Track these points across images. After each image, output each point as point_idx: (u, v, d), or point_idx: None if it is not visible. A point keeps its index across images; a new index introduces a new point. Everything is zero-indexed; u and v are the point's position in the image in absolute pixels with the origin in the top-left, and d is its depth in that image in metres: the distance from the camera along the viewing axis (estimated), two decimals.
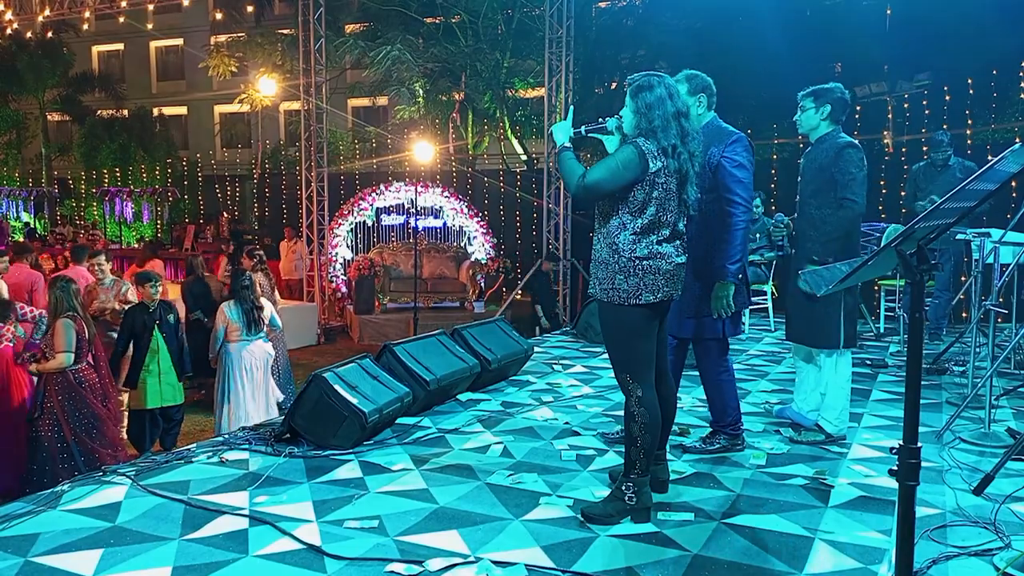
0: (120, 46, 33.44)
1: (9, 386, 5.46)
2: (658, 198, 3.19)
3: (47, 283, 7.19)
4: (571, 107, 3.54)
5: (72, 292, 5.30)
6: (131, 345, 6.05)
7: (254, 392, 6.34)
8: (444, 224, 14.51)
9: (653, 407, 3.27)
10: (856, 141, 4.24)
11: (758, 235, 8.77)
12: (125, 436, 5.99)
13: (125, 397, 6.23)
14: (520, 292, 12.32)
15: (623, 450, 3.38)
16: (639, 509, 3.28)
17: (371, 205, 14.04)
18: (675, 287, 3.31)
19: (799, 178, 4.47)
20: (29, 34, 21.58)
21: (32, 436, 5.16)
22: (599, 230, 3.32)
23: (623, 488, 3.29)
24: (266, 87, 19.14)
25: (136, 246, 23.08)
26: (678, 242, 3.31)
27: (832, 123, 4.29)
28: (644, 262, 3.20)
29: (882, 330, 8.61)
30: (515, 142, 18.89)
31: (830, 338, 4.27)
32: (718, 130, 3.94)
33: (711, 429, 4.29)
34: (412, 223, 13.84)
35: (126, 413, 6.23)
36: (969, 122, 11.46)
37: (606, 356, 3.44)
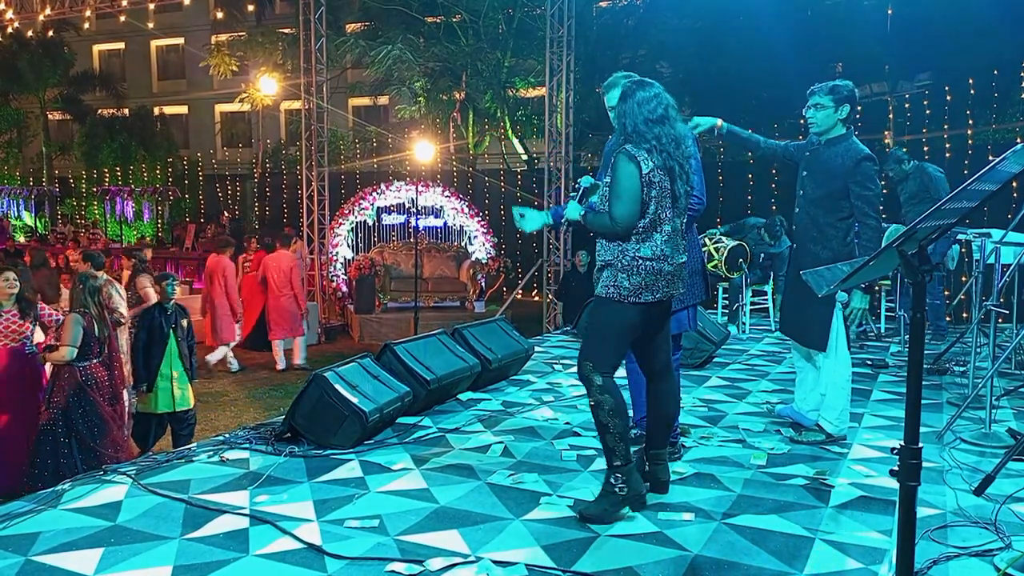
0: (121, 45, 33.42)
1: (25, 385, 5.46)
2: (656, 196, 3.25)
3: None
4: (579, 186, 3.61)
5: (89, 289, 5.31)
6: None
7: None
8: (445, 223, 14.51)
9: (616, 391, 3.30)
10: (871, 154, 4.20)
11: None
12: (130, 436, 5.96)
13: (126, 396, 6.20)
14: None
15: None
16: (631, 497, 3.30)
17: (372, 204, 14.03)
18: (674, 287, 3.36)
19: (803, 173, 4.42)
20: (30, 33, 21.57)
21: (38, 432, 5.17)
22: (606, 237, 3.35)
23: (611, 481, 3.32)
24: (267, 86, 19.15)
25: (136, 245, 23.12)
26: (678, 239, 3.36)
27: (845, 125, 4.28)
28: (647, 262, 3.25)
29: (883, 330, 8.61)
30: (516, 141, 18.89)
31: (821, 340, 4.26)
32: None
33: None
34: (413, 222, 13.83)
35: (133, 413, 6.20)
36: (970, 122, 11.45)
37: None
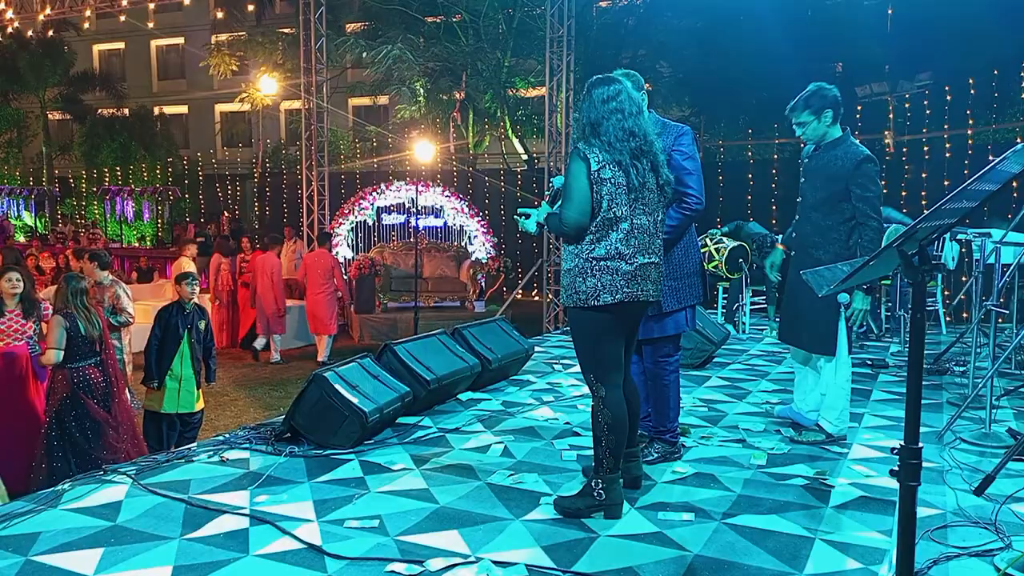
0: (121, 45, 33.45)
1: (27, 385, 5.45)
2: (609, 193, 3.19)
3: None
4: (552, 187, 3.64)
5: (72, 291, 5.27)
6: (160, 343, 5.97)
7: None
8: (445, 223, 14.51)
9: (618, 407, 3.29)
10: (871, 155, 4.18)
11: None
12: (138, 438, 5.94)
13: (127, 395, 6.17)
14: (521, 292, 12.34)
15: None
16: (608, 504, 3.31)
17: (372, 204, 14.04)
18: (639, 287, 3.26)
19: (802, 179, 4.43)
20: (30, 33, 21.58)
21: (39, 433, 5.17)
22: (564, 240, 3.34)
23: (592, 484, 3.33)
24: (267, 86, 19.17)
25: (136, 245, 23.13)
26: (643, 238, 3.27)
27: (841, 127, 4.26)
28: (601, 262, 3.20)
29: (882, 330, 8.61)
30: (516, 141, 18.90)
31: (827, 344, 4.25)
32: (662, 124, 3.93)
33: (649, 436, 4.09)
34: (413, 222, 13.84)
35: (141, 412, 6.19)
36: (970, 122, 11.45)
37: None
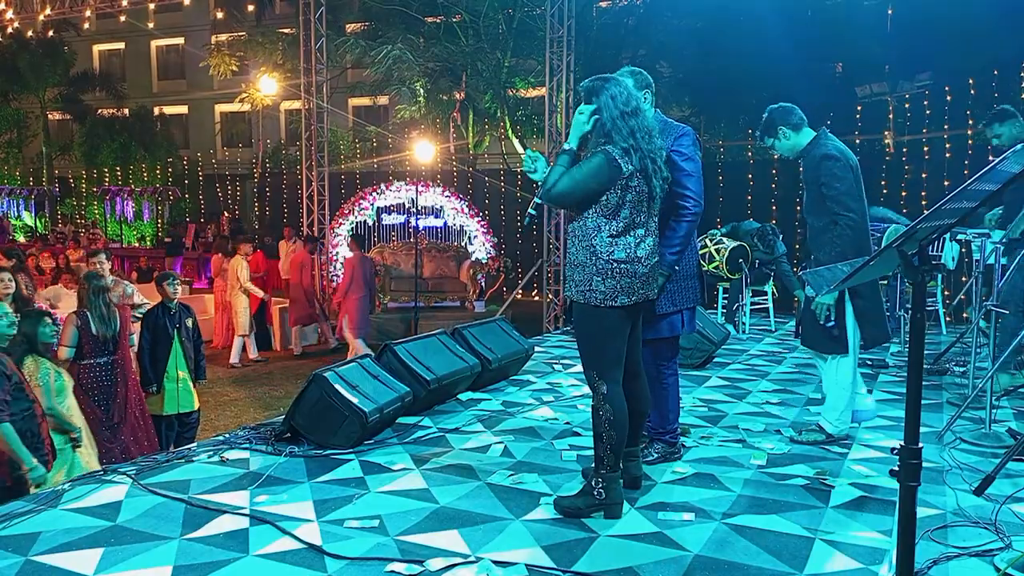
0: (121, 45, 33.43)
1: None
2: (631, 201, 3.23)
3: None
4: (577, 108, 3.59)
5: (94, 289, 5.35)
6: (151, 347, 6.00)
7: None
8: (445, 223, 14.49)
9: (619, 404, 3.30)
10: (833, 152, 4.14)
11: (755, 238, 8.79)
12: (152, 439, 5.94)
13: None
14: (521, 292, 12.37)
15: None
16: (608, 504, 3.32)
17: (372, 204, 14.03)
18: (650, 288, 3.36)
19: (801, 184, 4.46)
20: (30, 33, 21.56)
21: None
22: (573, 233, 3.34)
23: (593, 483, 3.34)
24: (267, 86, 19.17)
25: (136, 245, 23.12)
26: (651, 240, 3.33)
27: (803, 133, 4.26)
28: (622, 265, 3.23)
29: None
30: (516, 141, 18.90)
31: (837, 345, 4.25)
32: (664, 124, 3.91)
33: (649, 437, 4.08)
34: (413, 222, 13.83)
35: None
36: (970, 122, 11.44)
37: None
